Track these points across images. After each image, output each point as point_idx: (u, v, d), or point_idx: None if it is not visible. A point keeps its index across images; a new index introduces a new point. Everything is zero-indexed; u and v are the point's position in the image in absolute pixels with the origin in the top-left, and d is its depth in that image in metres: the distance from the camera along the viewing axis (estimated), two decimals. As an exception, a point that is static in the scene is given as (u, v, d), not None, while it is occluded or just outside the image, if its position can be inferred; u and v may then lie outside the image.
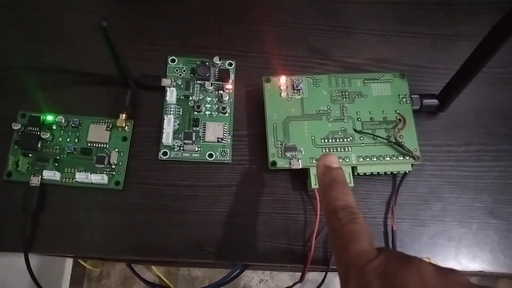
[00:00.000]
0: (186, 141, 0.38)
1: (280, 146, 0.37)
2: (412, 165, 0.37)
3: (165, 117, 0.39)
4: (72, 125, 0.38)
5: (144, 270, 1.08)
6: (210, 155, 0.38)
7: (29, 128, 0.38)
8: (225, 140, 0.39)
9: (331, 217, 0.27)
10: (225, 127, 0.39)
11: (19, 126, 0.37)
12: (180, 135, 0.39)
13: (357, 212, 0.26)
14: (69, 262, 1.00)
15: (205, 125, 0.39)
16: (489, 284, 0.97)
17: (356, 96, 0.38)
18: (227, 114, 0.40)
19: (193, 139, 0.39)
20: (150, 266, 1.06)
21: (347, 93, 0.38)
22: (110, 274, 1.10)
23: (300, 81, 0.38)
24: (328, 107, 0.38)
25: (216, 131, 0.39)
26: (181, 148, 0.38)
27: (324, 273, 0.38)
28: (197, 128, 0.39)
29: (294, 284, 0.39)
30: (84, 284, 1.09)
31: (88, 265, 1.07)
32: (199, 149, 0.39)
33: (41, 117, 0.38)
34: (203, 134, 0.39)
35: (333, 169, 0.29)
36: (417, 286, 0.23)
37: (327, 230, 0.28)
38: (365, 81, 0.39)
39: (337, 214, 0.26)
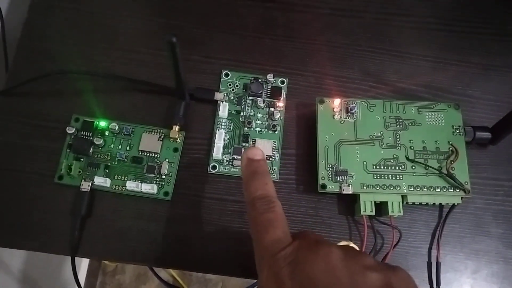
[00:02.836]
0: (235, 156, 0.39)
1: (330, 169, 0.37)
2: (461, 197, 0.37)
3: (217, 131, 0.39)
4: (125, 132, 0.38)
5: (158, 268, 1.09)
6: (258, 172, 0.38)
7: (82, 133, 0.38)
8: (273, 158, 0.39)
9: (249, 207, 0.27)
10: (274, 145, 0.39)
11: (73, 130, 0.38)
12: (229, 150, 0.39)
13: (275, 201, 0.27)
14: (86, 256, 1.01)
15: (254, 141, 0.39)
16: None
17: (410, 124, 0.38)
18: (276, 132, 0.40)
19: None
20: (165, 266, 1.06)
21: (401, 120, 0.38)
22: (125, 269, 1.11)
23: (354, 104, 0.38)
24: (381, 133, 0.38)
25: (265, 148, 0.39)
26: (230, 163, 0.39)
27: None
28: (247, 144, 0.39)
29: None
30: (99, 277, 1.10)
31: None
32: (247, 165, 0.39)
33: (95, 123, 0.39)
34: (252, 151, 0.39)
35: (255, 161, 0.29)
36: (324, 272, 0.23)
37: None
38: (420, 109, 0.39)
39: (255, 204, 0.27)
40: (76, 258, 0.36)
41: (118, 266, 1.11)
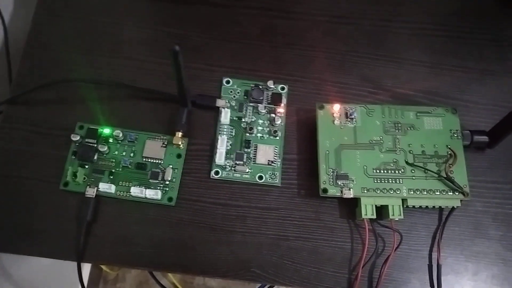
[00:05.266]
0: (237, 162, 0.39)
1: (331, 173, 0.37)
2: (460, 200, 0.38)
3: (219, 137, 0.40)
4: (129, 139, 0.39)
5: (160, 276, 1.09)
6: (260, 177, 0.39)
7: (86, 140, 0.39)
8: (275, 163, 0.40)
9: None
10: (276, 150, 0.40)
11: (78, 137, 0.38)
12: (232, 156, 0.39)
13: None
14: (88, 263, 1.01)
15: (256, 147, 0.40)
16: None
17: (409, 128, 0.39)
18: (278, 138, 0.40)
19: (244, 160, 0.39)
20: (166, 273, 1.06)
21: (399, 125, 0.39)
22: (125, 278, 1.11)
23: (353, 110, 0.39)
24: (381, 137, 0.38)
25: (267, 153, 0.40)
26: (233, 168, 0.39)
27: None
28: (249, 150, 0.40)
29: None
30: (100, 286, 1.10)
31: (105, 267, 1.07)
32: (249, 170, 0.39)
33: (99, 130, 0.39)
34: (254, 156, 0.40)
35: None
36: None
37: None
38: (418, 114, 0.39)
39: None
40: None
41: (119, 274, 1.11)
